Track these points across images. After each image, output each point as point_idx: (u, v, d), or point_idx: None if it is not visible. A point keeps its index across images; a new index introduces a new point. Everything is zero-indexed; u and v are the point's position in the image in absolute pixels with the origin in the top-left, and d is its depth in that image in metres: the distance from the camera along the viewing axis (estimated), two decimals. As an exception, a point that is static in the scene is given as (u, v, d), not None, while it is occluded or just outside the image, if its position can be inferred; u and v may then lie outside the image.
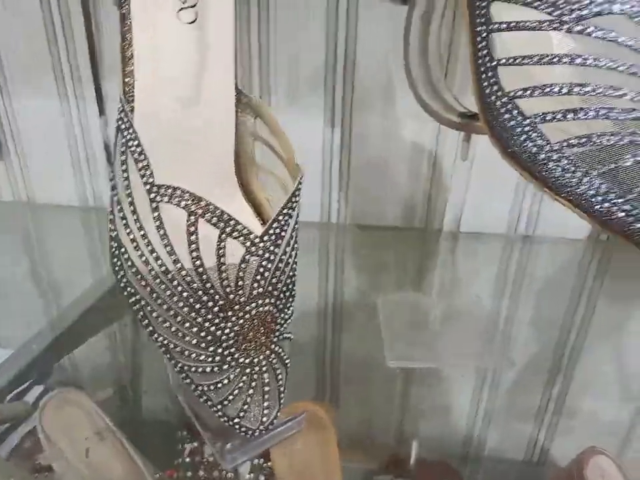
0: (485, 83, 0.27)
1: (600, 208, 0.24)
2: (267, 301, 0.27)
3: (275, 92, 0.54)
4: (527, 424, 0.47)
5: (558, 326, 0.50)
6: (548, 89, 0.24)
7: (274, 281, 0.27)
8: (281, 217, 0.27)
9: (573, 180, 0.25)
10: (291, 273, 0.29)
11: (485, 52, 0.26)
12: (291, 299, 0.29)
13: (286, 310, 0.29)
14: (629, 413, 0.47)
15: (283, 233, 0.27)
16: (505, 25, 0.25)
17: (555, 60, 0.24)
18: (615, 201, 0.24)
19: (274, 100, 0.55)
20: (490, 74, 0.26)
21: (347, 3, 0.50)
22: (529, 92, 0.25)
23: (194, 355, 0.27)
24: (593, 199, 0.24)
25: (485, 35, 0.26)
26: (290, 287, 0.29)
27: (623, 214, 0.24)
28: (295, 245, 0.29)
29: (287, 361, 0.28)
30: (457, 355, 0.41)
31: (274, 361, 0.28)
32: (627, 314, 0.53)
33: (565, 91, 0.24)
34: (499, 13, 0.26)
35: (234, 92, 0.31)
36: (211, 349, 0.27)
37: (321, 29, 0.51)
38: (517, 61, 0.25)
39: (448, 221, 0.42)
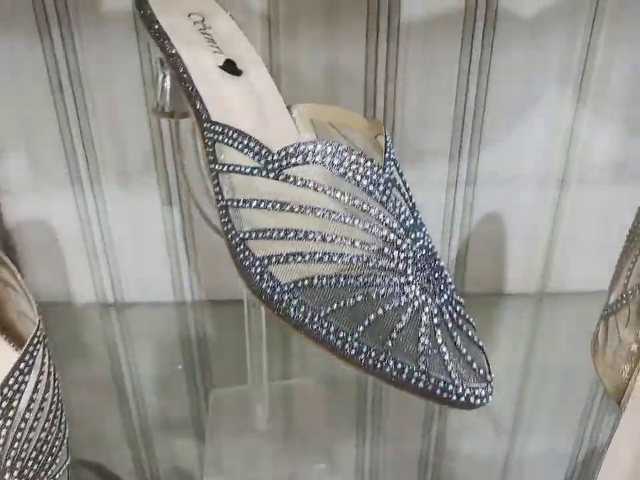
0: (223, 220, 0.26)
1: (335, 345, 0.25)
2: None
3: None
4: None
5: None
6: (270, 233, 0.24)
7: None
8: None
9: (306, 319, 0.25)
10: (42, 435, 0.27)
11: (217, 190, 0.26)
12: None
13: None
14: None
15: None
16: (226, 167, 0.25)
17: (269, 205, 0.24)
18: (346, 339, 0.24)
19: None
20: (223, 212, 0.26)
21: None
22: (254, 234, 0.25)
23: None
24: (327, 338, 0.25)
25: (214, 173, 0.26)
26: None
27: (354, 351, 0.24)
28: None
29: None
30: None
31: None
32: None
33: (291, 235, 0.24)
34: (221, 154, 0.26)
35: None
36: None
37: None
38: (240, 204, 0.25)
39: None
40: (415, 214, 0.26)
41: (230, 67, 0.29)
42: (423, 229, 0.26)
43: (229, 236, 0.26)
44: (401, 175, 0.27)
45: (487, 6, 0.48)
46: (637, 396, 0.31)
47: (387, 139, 0.27)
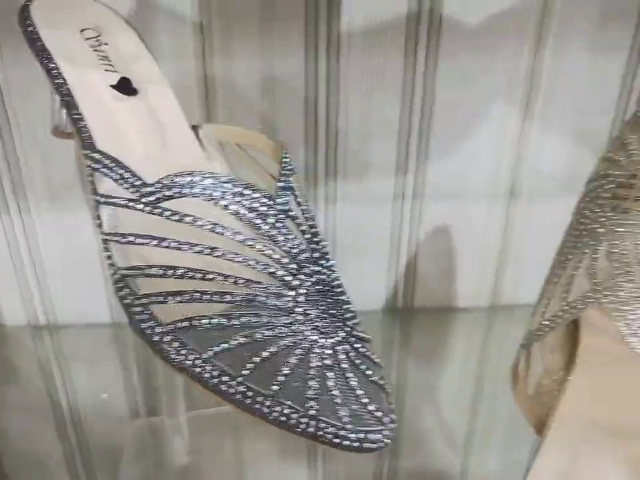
0: (105, 253, 0.24)
1: (220, 390, 0.23)
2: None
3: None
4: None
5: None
6: (149, 270, 0.23)
7: None
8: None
9: (188, 362, 0.23)
10: None
11: (98, 222, 0.24)
12: None
13: None
14: None
15: None
16: (104, 199, 0.23)
17: (145, 241, 0.22)
18: (230, 383, 0.23)
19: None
20: (104, 245, 0.24)
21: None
22: (133, 271, 0.23)
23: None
24: (211, 382, 0.23)
25: (95, 204, 0.24)
26: None
27: (240, 396, 0.23)
28: None
29: None
30: None
31: None
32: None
33: (169, 273, 0.23)
34: (100, 184, 0.24)
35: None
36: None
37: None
38: (119, 238, 0.23)
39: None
40: (314, 245, 0.25)
41: (126, 86, 0.27)
42: (322, 262, 0.25)
43: (111, 271, 0.24)
44: (299, 203, 0.25)
45: (431, 14, 0.47)
46: (556, 434, 0.29)
47: (285, 165, 0.25)
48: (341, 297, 0.25)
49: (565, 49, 0.48)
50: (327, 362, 0.23)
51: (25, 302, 0.55)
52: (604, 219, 0.26)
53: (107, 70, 0.27)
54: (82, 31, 0.29)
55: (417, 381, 0.54)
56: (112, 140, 0.25)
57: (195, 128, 0.29)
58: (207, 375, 0.23)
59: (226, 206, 0.23)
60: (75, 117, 0.25)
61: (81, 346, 0.55)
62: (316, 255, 0.24)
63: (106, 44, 0.29)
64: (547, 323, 0.26)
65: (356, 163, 0.52)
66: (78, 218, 0.51)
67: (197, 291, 0.22)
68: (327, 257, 0.26)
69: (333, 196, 0.54)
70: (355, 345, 0.25)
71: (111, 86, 0.27)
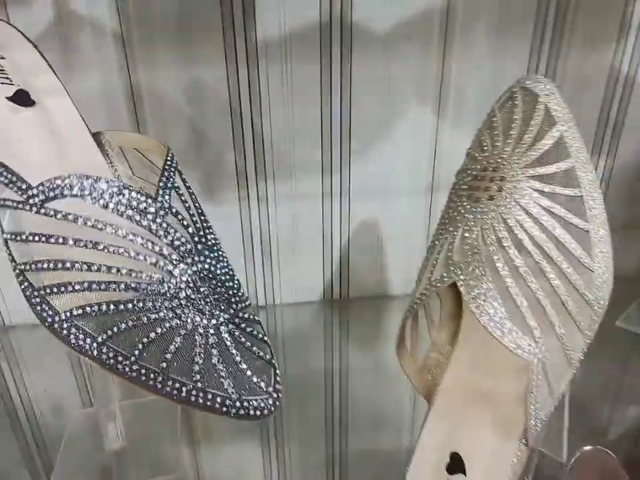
0: (6, 252, 0.27)
1: (118, 369, 0.25)
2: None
3: None
4: None
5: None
6: (42, 264, 0.25)
7: None
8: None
9: (87, 345, 0.25)
10: None
11: (-3, 223, 0.27)
12: None
13: None
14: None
15: None
16: (0, 202, 0.26)
17: (36, 238, 0.25)
18: (125, 363, 0.25)
19: None
20: (5, 245, 0.26)
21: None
22: (29, 266, 0.25)
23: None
24: (108, 362, 0.25)
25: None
26: None
27: (135, 374, 0.25)
28: None
29: None
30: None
31: None
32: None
33: (59, 266, 0.25)
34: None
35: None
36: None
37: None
38: (15, 237, 0.25)
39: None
40: (198, 238, 0.27)
41: (24, 98, 0.30)
42: (206, 252, 0.27)
43: (13, 268, 0.26)
44: (184, 200, 0.28)
45: (342, 23, 0.50)
46: (441, 399, 0.32)
47: (167, 166, 0.28)
48: (227, 284, 0.28)
49: (470, 52, 0.52)
50: (210, 340, 0.26)
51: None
52: (461, 208, 0.29)
53: (2, 82, 0.30)
54: (-21, 46, 0.31)
55: (355, 365, 0.57)
56: (5, 148, 0.27)
57: (97, 135, 0.31)
58: (104, 357, 0.25)
59: (106, 205, 0.25)
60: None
61: (27, 345, 0.57)
62: (200, 246, 0.27)
63: (3, 58, 0.31)
64: (417, 299, 0.30)
65: (284, 164, 0.55)
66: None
67: (84, 281, 0.24)
68: (214, 248, 0.28)
69: (264, 196, 0.56)
70: (241, 325, 0.27)
71: (7, 98, 0.30)
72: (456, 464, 0.31)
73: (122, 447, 0.39)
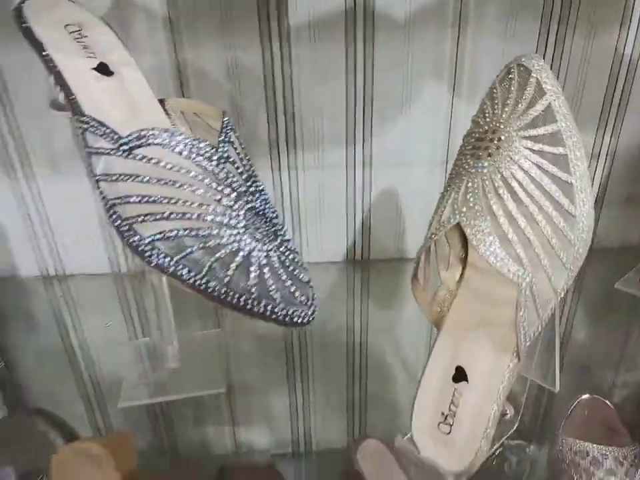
0: (98, 190, 0.34)
1: (191, 284, 0.32)
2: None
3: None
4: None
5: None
6: (130, 199, 0.32)
7: None
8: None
9: (165, 264, 0.32)
10: None
11: (89, 168, 0.33)
12: None
13: None
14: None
15: None
16: (94, 150, 0.33)
17: (125, 178, 0.32)
18: (196, 277, 0.32)
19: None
20: (96, 185, 0.33)
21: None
22: (119, 200, 0.32)
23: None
24: (184, 278, 0.32)
25: (87, 155, 0.33)
26: None
27: (203, 287, 0.32)
28: None
29: None
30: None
31: None
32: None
33: (145, 200, 0.32)
34: (89, 139, 0.33)
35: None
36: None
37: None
38: (106, 177, 0.32)
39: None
40: (249, 183, 0.34)
41: (104, 69, 0.37)
42: (257, 195, 0.34)
43: (103, 203, 0.33)
44: (238, 153, 0.34)
45: (365, 8, 0.56)
46: (448, 325, 0.39)
47: (224, 125, 0.35)
48: (273, 220, 0.35)
49: (483, 31, 0.58)
50: (264, 261, 0.32)
51: (37, 256, 0.65)
52: (465, 165, 0.36)
53: (88, 57, 0.36)
54: (66, 26, 0.38)
55: (375, 322, 0.63)
56: (95, 108, 0.34)
57: (161, 101, 0.38)
58: (179, 273, 0.32)
59: (180, 152, 0.32)
60: (66, 92, 0.34)
61: (85, 292, 0.65)
62: (251, 189, 0.34)
63: (86, 36, 0.38)
64: (429, 238, 0.36)
65: (312, 136, 0.61)
66: (77, 181, 0.57)
67: (165, 212, 0.31)
68: (262, 192, 0.35)
69: (294, 165, 0.63)
70: (286, 253, 0.34)
71: (92, 69, 0.36)
72: (460, 375, 0.38)
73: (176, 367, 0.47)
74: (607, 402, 0.45)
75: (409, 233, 0.68)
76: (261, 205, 0.34)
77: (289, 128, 0.61)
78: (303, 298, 0.33)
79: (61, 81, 0.34)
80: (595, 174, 0.67)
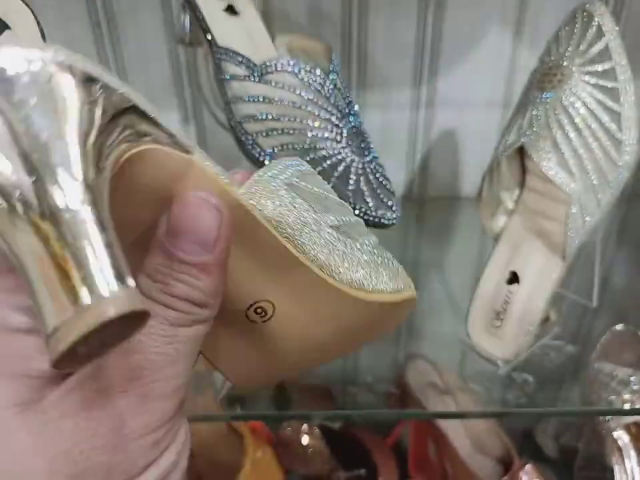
0: (227, 115, 0.43)
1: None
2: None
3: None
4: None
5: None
6: (256, 117, 0.42)
7: None
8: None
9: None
10: None
11: (223, 93, 0.43)
12: None
13: None
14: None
15: None
16: (228, 77, 0.42)
17: (255, 99, 0.41)
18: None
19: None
20: (227, 108, 0.43)
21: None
22: (246, 119, 0.42)
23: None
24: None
25: (220, 82, 0.43)
26: None
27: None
28: None
29: None
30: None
31: None
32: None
33: (269, 117, 0.42)
34: (224, 68, 0.42)
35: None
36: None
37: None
38: (237, 100, 0.42)
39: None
40: (350, 107, 0.43)
41: (231, 9, 0.46)
42: (355, 115, 0.43)
43: (231, 123, 0.43)
44: (342, 81, 0.44)
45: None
46: (506, 236, 0.48)
47: (333, 57, 0.44)
48: (367, 139, 0.44)
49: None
50: (360, 172, 0.42)
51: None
52: (530, 96, 0.45)
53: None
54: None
55: (429, 257, 0.73)
56: (225, 42, 0.44)
57: (272, 37, 0.47)
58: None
59: (302, 78, 0.41)
60: (204, 27, 0.44)
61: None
62: (352, 112, 0.43)
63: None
64: (497, 156, 0.45)
65: (381, 76, 0.70)
66: (169, 119, 0.71)
67: (284, 128, 0.41)
68: (357, 114, 0.44)
69: (362, 103, 0.72)
70: (377, 167, 0.44)
71: (223, 10, 0.45)
72: (513, 278, 0.47)
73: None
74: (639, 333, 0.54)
75: (465, 172, 0.76)
76: (359, 125, 0.43)
77: (361, 67, 0.69)
78: (390, 203, 0.43)
79: (200, 18, 0.44)
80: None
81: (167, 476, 0.19)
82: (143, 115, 0.18)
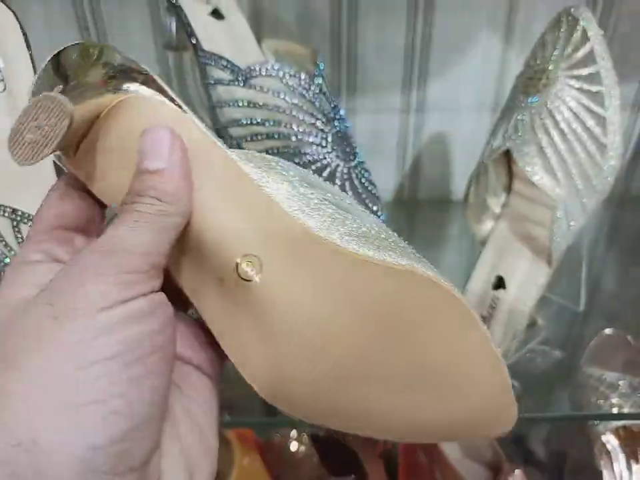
0: (212, 117, 0.44)
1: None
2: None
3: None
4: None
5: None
6: (242, 122, 0.42)
7: None
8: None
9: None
10: None
11: (208, 97, 0.43)
12: None
13: None
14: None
15: None
16: (213, 81, 0.43)
17: (240, 103, 0.42)
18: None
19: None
20: (212, 112, 0.43)
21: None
22: (232, 123, 0.42)
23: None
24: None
25: (206, 87, 0.43)
26: None
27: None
28: None
29: None
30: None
31: None
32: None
33: (254, 122, 0.42)
34: (209, 72, 0.43)
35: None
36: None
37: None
38: (222, 105, 0.42)
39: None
40: (335, 112, 0.44)
41: (217, 14, 0.46)
42: (341, 120, 0.44)
43: (216, 127, 0.43)
44: (327, 85, 0.44)
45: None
46: (492, 241, 0.49)
47: (319, 61, 0.44)
48: (353, 144, 0.44)
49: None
50: (345, 176, 0.42)
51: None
52: (516, 101, 0.45)
53: (206, 4, 0.46)
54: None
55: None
56: (211, 46, 0.44)
57: (258, 41, 0.48)
58: None
59: (287, 83, 0.42)
60: (190, 31, 0.44)
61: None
62: (337, 116, 0.44)
63: (203, -14, 0.48)
64: (482, 161, 0.46)
65: (371, 80, 0.70)
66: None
67: (268, 132, 0.41)
68: (342, 119, 0.45)
69: (352, 107, 0.72)
70: (363, 172, 0.44)
71: (208, 14, 0.46)
72: (499, 283, 0.48)
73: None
74: (628, 337, 0.55)
75: (456, 176, 0.77)
76: (345, 130, 0.44)
77: (350, 72, 0.70)
78: (375, 208, 0.43)
79: (185, 23, 0.44)
80: (635, 124, 0.75)
81: (138, 321, 0.21)
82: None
